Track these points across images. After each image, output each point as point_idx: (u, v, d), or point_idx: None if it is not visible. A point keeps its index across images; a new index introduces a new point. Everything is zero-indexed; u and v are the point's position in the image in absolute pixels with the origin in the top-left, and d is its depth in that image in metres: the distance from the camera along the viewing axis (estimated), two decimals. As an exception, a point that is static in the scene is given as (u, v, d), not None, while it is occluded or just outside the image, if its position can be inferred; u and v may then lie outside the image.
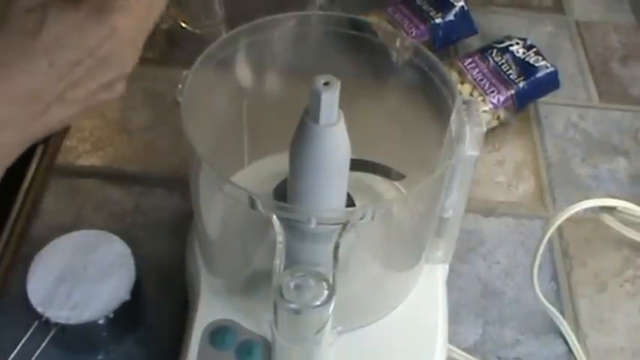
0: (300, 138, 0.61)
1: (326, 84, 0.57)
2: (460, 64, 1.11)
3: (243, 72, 0.75)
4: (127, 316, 0.76)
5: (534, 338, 0.87)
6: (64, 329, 0.73)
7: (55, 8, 0.51)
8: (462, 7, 1.19)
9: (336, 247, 0.60)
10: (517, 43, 1.14)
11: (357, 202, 0.70)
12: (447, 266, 0.81)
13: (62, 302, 0.73)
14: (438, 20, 1.17)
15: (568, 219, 0.92)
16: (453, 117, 0.68)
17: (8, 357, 0.74)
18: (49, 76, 0.51)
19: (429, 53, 0.71)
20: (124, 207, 0.95)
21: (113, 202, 0.96)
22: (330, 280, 0.59)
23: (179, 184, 0.96)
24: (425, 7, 1.18)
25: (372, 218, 0.61)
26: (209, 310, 0.73)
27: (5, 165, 0.53)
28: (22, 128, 0.53)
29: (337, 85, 0.57)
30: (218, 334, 0.71)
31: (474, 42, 1.22)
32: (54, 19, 0.50)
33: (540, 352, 0.86)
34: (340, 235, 0.61)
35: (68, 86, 0.53)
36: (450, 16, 1.18)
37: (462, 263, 0.93)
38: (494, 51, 1.12)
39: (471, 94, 1.07)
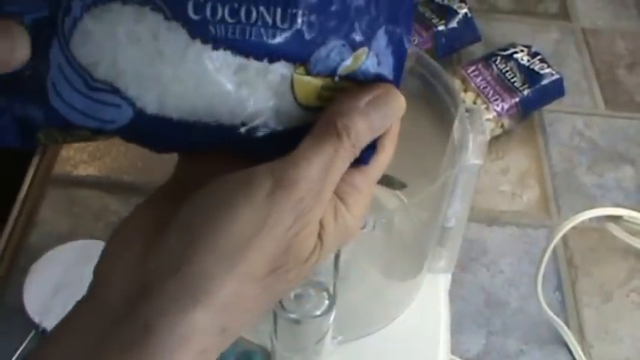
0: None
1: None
2: (463, 71, 1.12)
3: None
4: None
5: (538, 349, 0.88)
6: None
7: (329, 240, 0.43)
8: (466, 14, 1.20)
9: (337, 257, 0.61)
10: (522, 51, 1.15)
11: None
12: (449, 276, 0.81)
13: (59, 312, 0.72)
14: (441, 27, 1.18)
15: (573, 228, 0.93)
16: (456, 125, 0.68)
17: (5, 367, 0.74)
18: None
19: (432, 61, 0.72)
20: (121, 217, 0.94)
21: (111, 212, 0.97)
22: (331, 290, 0.60)
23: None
24: (427, 14, 1.19)
25: (374, 227, 0.61)
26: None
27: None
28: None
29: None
30: (217, 344, 0.71)
31: (478, 49, 1.23)
32: (323, 255, 0.43)
33: (545, 363, 0.87)
34: (341, 244, 0.61)
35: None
36: (453, 24, 1.19)
37: (465, 273, 0.93)
38: (499, 58, 1.14)
39: (475, 102, 1.08)
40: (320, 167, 0.41)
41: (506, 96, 1.09)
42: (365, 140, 0.43)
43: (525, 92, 1.10)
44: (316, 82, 0.43)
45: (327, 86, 0.43)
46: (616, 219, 1.00)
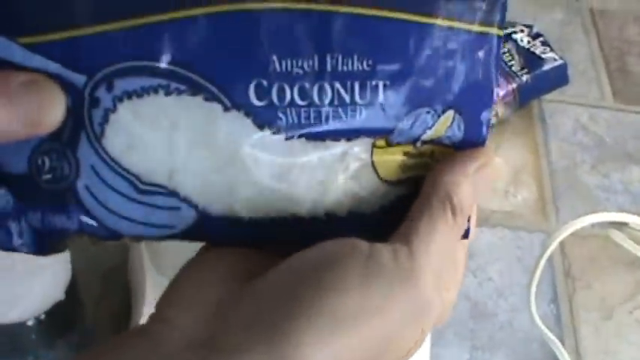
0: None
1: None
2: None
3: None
4: (61, 318, 0.74)
5: (528, 368, 0.86)
6: (-13, 329, 0.71)
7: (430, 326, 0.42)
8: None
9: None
10: (521, 31, 1.15)
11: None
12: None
13: None
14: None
15: (572, 234, 0.91)
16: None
17: None
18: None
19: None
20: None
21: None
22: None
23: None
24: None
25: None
26: (154, 317, 0.73)
27: None
28: None
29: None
30: (166, 345, 0.70)
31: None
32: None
33: (535, 385, 0.85)
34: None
35: None
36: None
37: (449, 278, 0.92)
38: (496, 38, 1.13)
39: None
40: (438, 250, 0.40)
41: (502, 81, 1.08)
42: (469, 213, 0.43)
43: (524, 78, 1.09)
44: (398, 153, 0.42)
45: (408, 154, 0.42)
46: (621, 226, 0.99)
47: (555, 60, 1.13)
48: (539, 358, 0.87)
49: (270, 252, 0.43)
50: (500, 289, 0.93)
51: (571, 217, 0.94)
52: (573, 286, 0.94)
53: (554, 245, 0.90)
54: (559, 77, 1.14)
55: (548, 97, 1.16)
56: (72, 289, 0.74)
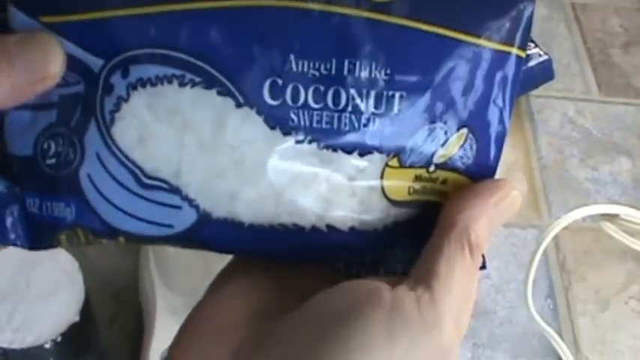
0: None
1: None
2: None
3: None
4: (76, 340, 0.74)
5: (529, 362, 0.89)
6: (6, 354, 0.72)
7: None
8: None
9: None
10: (505, 27, 1.16)
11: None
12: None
13: (3, 324, 0.73)
14: None
15: (565, 228, 0.94)
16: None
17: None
18: None
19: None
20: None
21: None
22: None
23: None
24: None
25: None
26: (167, 334, 0.68)
27: None
28: None
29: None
30: (177, 362, 0.71)
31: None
32: None
33: (536, 378, 0.88)
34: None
35: None
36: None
37: (447, 278, 0.94)
38: (480, 35, 1.14)
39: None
40: (458, 293, 0.39)
41: (488, 78, 1.09)
42: (485, 247, 0.41)
43: (510, 74, 1.10)
44: (409, 176, 0.41)
45: (420, 178, 0.42)
46: (612, 217, 1.00)
47: (540, 55, 1.11)
48: (538, 352, 0.90)
49: (286, 286, 0.42)
50: (497, 286, 0.96)
51: (563, 211, 0.97)
52: (569, 280, 0.97)
53: (547, 240, 0.92)
54: (545, 73, 1.10)
55: (535, 92, 1.17)
56: (86, 310, 0.75)
